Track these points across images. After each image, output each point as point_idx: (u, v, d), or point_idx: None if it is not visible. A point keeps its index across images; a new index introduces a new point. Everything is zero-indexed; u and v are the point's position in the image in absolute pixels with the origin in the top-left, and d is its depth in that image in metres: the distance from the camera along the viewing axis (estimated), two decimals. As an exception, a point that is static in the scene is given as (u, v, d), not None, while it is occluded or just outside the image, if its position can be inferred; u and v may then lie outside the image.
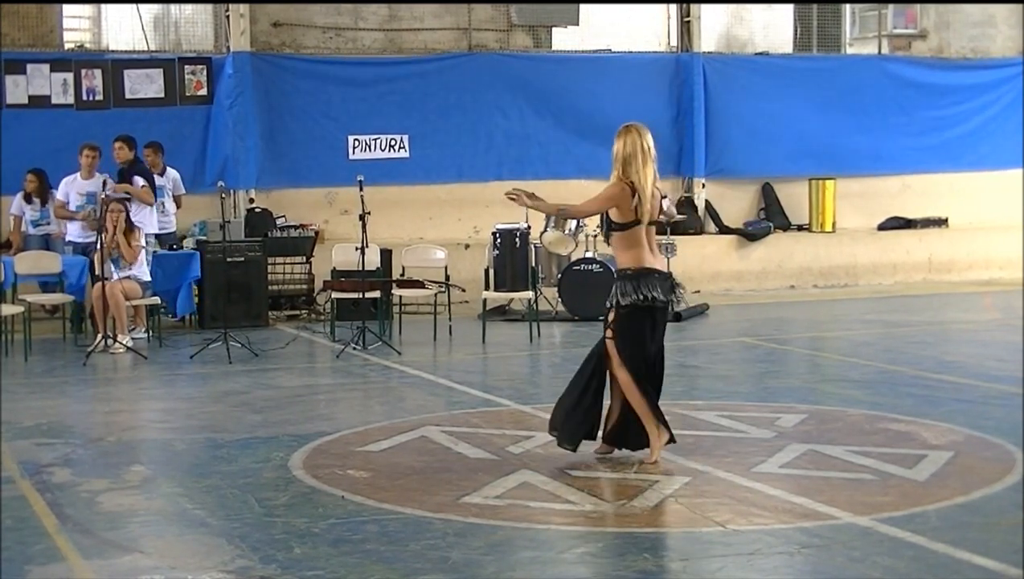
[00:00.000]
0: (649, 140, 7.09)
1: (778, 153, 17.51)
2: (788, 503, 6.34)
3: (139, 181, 13.00)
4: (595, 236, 13.91)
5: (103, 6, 15.93)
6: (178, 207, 13.94)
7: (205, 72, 15.17)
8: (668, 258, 14.05)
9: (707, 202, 17.32)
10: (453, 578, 5.32)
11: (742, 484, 6.71)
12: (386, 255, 13.57)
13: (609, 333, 7.18)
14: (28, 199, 13.50)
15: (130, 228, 12.18)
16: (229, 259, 13.11)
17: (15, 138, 14.26)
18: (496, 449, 7.61)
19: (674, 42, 17.44)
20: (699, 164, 17.11)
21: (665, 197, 7.27)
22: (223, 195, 12.36)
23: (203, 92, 15.16)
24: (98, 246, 11.83)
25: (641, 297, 7.04)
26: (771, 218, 17.54)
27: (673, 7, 17.43)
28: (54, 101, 14.64)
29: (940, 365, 10.74)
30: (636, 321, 7.11)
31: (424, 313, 13.39)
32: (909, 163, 18.12)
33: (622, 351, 7.13)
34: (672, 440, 7.25)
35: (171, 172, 13.91)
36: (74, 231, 13.10)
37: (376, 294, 12.61)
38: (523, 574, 5.39)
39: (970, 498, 6.41)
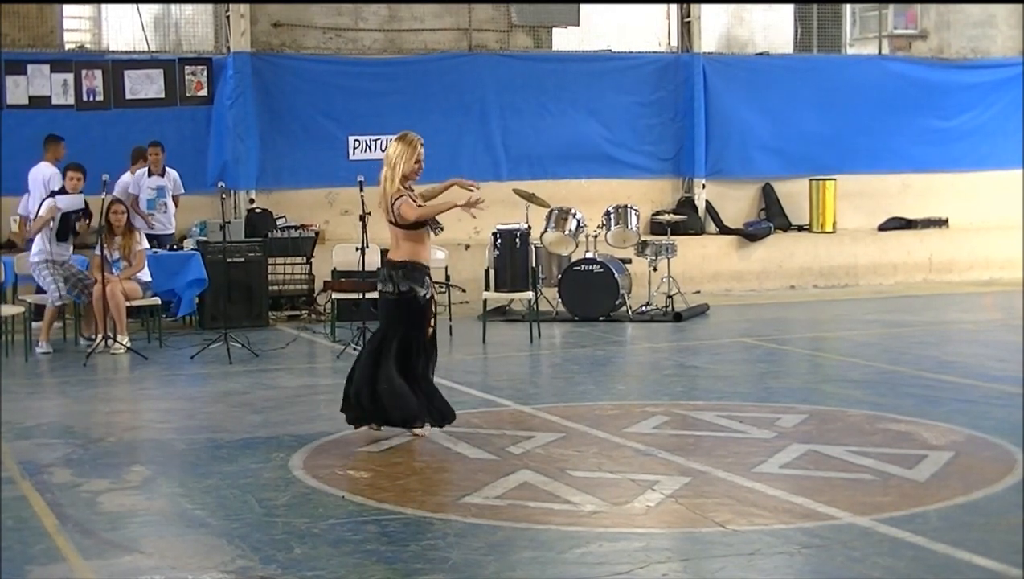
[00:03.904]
0: (390, 150, 8.16)
1: (778, 153, 17.52)
2: (788, 503, 6.34)
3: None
4: (595, 236, 13.94)
5: (103, 6, 15.93)
6: (176, 207, 14.01)
7: (205, 72, 15.16)
8: (668, 259, 14.11)
9: (707, 202, 17.31)
10: (453, 578, 5.33)
11: (742, 484, 6.71)
12: (386, 255, 13.52)
13: None
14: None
15: (130, 229, 12.18)
16: (229, 260, 13.10)
17: (15, 138, 14.26)
18: (496, 449, 7.62)
19: (674, 42, 17.44)
20: (699, 164, 17.11)
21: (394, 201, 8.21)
22: (223, 195, 12.37)
23: (203, 92, 15.16)
24: (98, 248, 11.82)
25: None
26: (771, 218, 17.53)
27: (673, 7, 17.43)
28: (54, 101, 14.63)
29: (940, 365, 10.73)
30: None
31: (424, 313, 13.35)
32: (909, 163, 18.12)
33: None
34: (352, 421, 7.97)
35: (171, 172, 13.98)
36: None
37: (376, 294, 12.56)
38: (523, 574, 5.39)
39: (970, 498, 6.41)
